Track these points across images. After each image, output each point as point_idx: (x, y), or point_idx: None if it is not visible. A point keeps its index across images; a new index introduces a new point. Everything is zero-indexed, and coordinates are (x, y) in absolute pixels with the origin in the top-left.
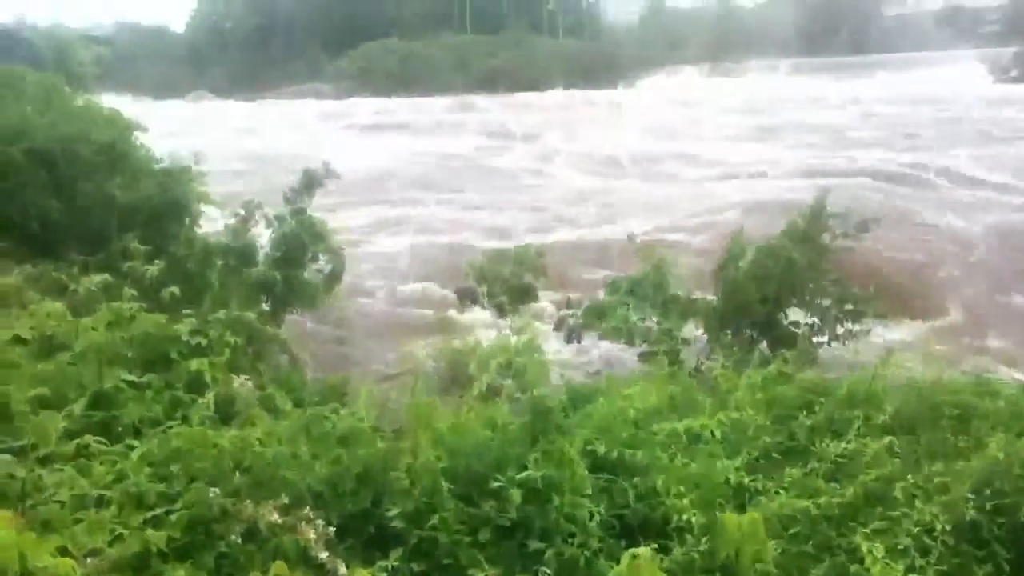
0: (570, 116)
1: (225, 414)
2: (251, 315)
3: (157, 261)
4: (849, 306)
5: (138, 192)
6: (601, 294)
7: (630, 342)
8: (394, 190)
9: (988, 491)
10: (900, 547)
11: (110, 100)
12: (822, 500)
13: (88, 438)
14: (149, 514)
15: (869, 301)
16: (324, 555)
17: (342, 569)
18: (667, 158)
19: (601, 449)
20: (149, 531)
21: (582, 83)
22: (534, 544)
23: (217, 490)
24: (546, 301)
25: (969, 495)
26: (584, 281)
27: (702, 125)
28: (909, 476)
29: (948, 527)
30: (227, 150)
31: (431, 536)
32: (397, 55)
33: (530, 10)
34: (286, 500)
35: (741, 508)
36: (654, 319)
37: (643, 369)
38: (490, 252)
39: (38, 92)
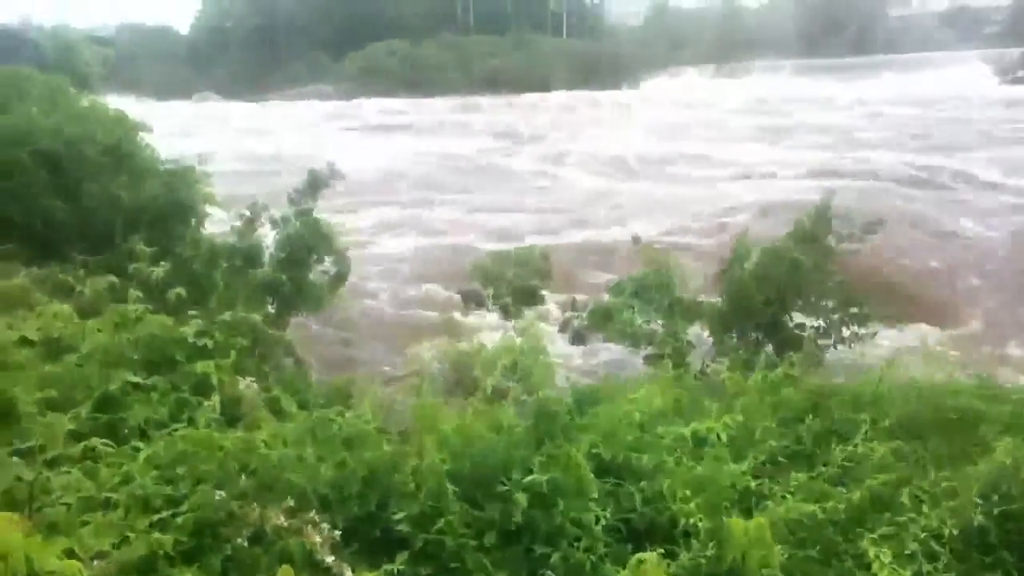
0: (576, 117)
1: (231, 416)
2: (256, 317)
3: (163, 263)
4: (854, 309)
5: (143, 193)
6: (607, 296)
7: (635, 345)
8: (401, 191)
9: (996, 496)
10: (907, 552)
11: (114, 101)
12: (829, 505)
13: (95, 440)
14: (155, 517)
15: (873, 304)
16: (330, 558)
17: (348, 573)
18: (677, 160)
19: (607, 453)
20: (155, 534)
21: (585, 84)
22: (540, 548)
23: (223, 493)
24: (551, 303)
25: (977, 500)
26: (591, 283)
27: (710, 126)
28: (916, 481)
29: (956, 532)
30: (236, 151)
31: (437, 540)
32: (400, 56)
33: (533, 11)
34: (292, 503)
35: (747, 512)
36: (659, 322)
37: (649, 372)
38: (494, 254)
39: (43, 93)
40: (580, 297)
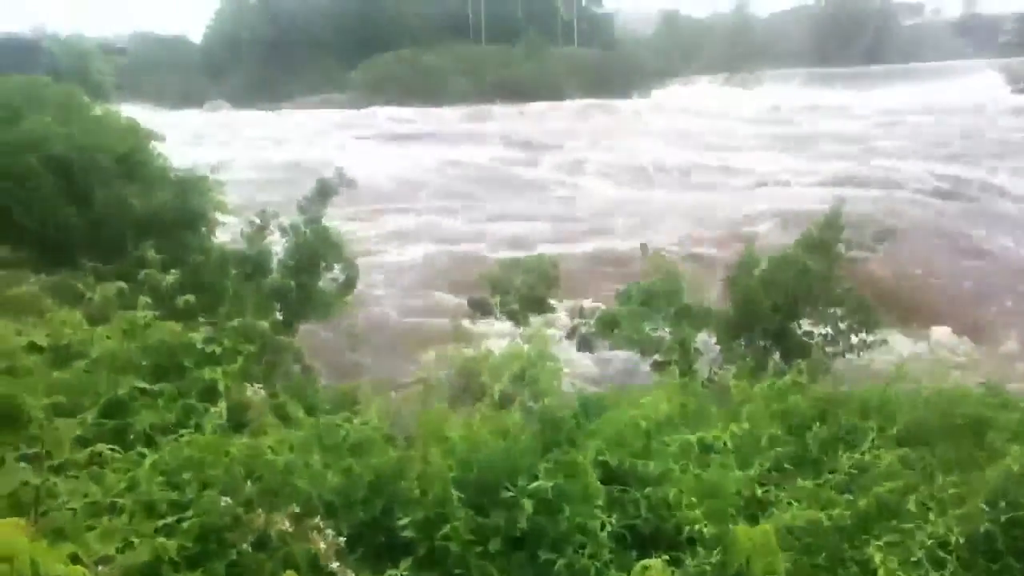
0: (589, 126)
1: (237, 422)
2: (265, 324)
3: (173, 270)
4: (862, 316)
5: (155, 201)
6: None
7: (643, 352)
8: (414, 199)
9: (1003, 503)
10: (914, 560)
11: (128, 109)
12: (835, 512)
13: (101, 446)
14: (161, 522)
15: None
16: (335, 564)
17: None
18: (693, 169)
19: (613, 459)
20: (161, 539)
21: (596, 93)
22: (545, 555)
23: (229, 499)
24: (560, 311)
25: (984, 507)
26: (606, 292)
27: (725, 135)
28: (923, 488)
29: (962, 540)
30: (253, 160)
31: (442, 546)
32: (410, 65)
33: (544, 20)
34: (297, 509)
35: (753, 519)
36: (666, 329)
37: (657, 379)
38: (503, 262)
39: (57, 101)
40: (587, 304)
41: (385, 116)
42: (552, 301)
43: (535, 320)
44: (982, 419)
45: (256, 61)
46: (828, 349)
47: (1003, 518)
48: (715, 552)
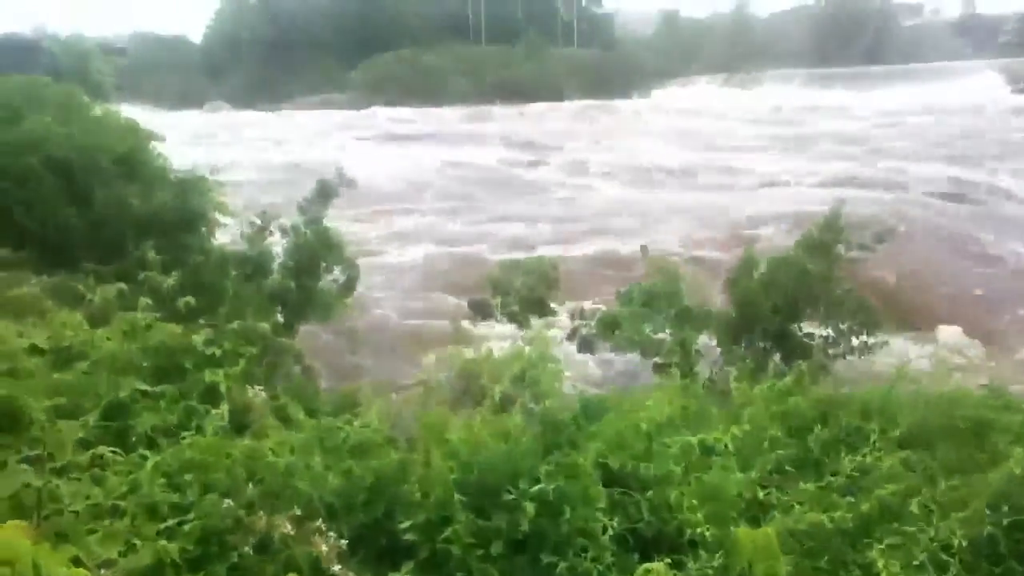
0: (590, 126)
1: (239, 424)
2: (266, 325)
3: (173, 272)
4: (863, 318)
5: (155, 202)
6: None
7: (643, 353)
8: (416, 200)
9: (1006, 506)
10: (916, 563)
11: (127, 110)
12: (837, 515)
13: (103, 448)
14: (163, 525)
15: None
16: (336, 567)
17: None
18: (696, 170)
19: (614, 462)
20: (162, 542)
21: (596, 93)
22: (547, 558)
23: (230, 501)
24: (561, 312)
25: (986, 510)
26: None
27: (727, 136)
28: (925, 491)
29: (965, 543)
30: (255, 161)
31: (443, 549)
32: (410, 65)
33: (543, 20)
34: (299, 511)
35: (755, 522)
36: (667, 331)
37: (658, 381)
38: (504, 263)
39: (57, 102)
40: (588, 306)
41: (385, 117)
42: (553, 304)
43: (536, 322)
44: (984, 421)
45: (256, 61)
46: (829, 351)
47: (1006, 521)
48: (717, 555)
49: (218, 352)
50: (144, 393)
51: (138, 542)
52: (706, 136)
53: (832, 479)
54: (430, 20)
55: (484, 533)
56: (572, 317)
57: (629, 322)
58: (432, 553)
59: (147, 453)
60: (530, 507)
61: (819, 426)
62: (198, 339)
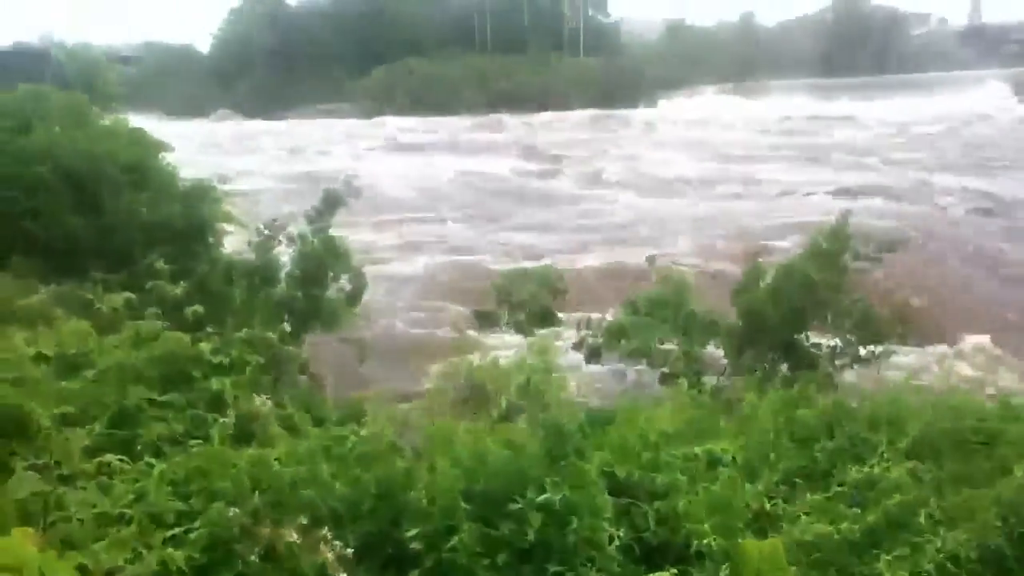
0: (600, 136)
1: (245, 433)
2: (272, 335)
3: (181, 281)
4: (870, 329)
5: (163, 211)
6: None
7: (650, 364)
8: (428, 209)
9: (1014, 518)
10: (923, 574)
11: (135, 119)
12: (844, 525)
13: (110, 456)
14: (169, 533)
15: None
16: None
17: None
18: (712, 180)
19: (621, 472)
20: (168, 550)
21: (603, 103)
22: (553, 568)
23: (237, 509)
24: (568, 322)
25: (995, 522)
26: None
27: (742, 146)
28: (933, 502)
29: (973, 555)
30: (269, 170)
31: (449, 558)
32: (418, 75)
33: (550, 30)
34: (305, 520)
35: (762, 533)
36: (674, 340)
37: (664, 391)
38: (510, 273)
39: (65, 111)
40: (595, 316)
41: (394, 126)
42: (561, 313)
43: (542, 332)
44: (993, 432)
45: (263, 71)
46: (836, 361)
47: (1015, 533)
48: (724, 566)
49: (225, 361)
50: (151, 401)
51: (144, 550)
52: (718, 146)
53: (839, 490)
54: (436, 30)
55: (490, 542)
56: (579, 327)
57: (635, 332)
58: (438, 562)
59: (154, 461)
60: (536, 517)
61: (826, 437)
62: (205, 348)
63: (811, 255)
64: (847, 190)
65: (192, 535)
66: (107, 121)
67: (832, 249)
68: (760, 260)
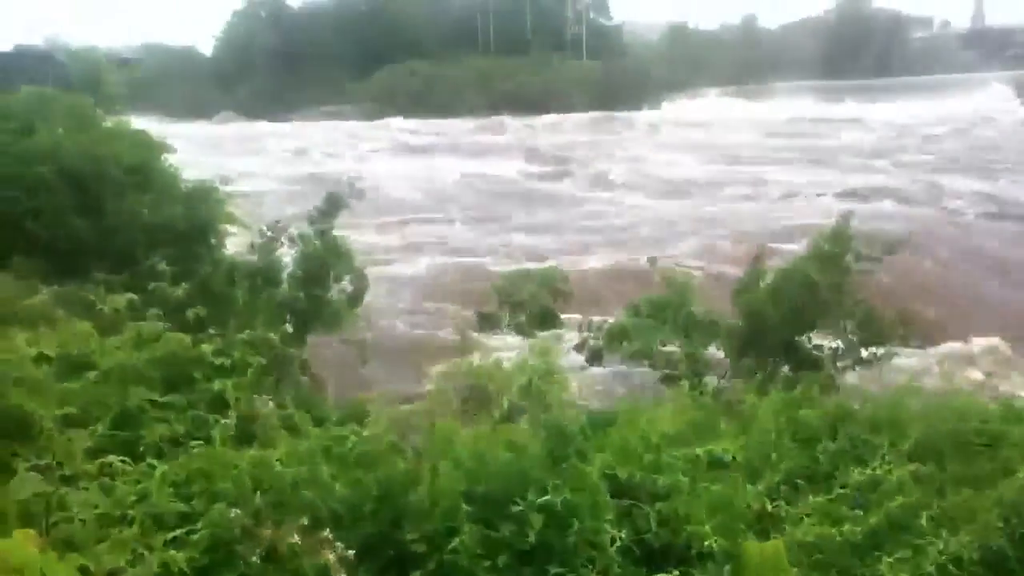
0: (605, 138)
1: (247, 434)
2: (274, 336)
3: (183, 283)
4: (872, 330)
5: (165, 212)
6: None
7: (651, 365)
8: (434, 211)
9: (1016, 519)
10: None
11: (138, 121)
12: (846, 527)
13: (112, 457)
14: (170, 534)
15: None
16: None
17: None
18: (720, 182)
19: (622, 473)
20: (170, 551)
21: (605, 105)
22: (554, 569)
23: (238, 511)
24: (570, 323)
25: (998, 524)
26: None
27: (749, 148)
28: (935, 504)
29: (975, 557)
30: (277, 172)
31: (451, 559)
32: (420, 77)
33: (553, 32)
34: (306, 521)
35: (764, 535)
36: (676, 342)
37: (666, 392)
38: (513, 274)
39: (68, 113)
40: (597, 317)
41: (398, 128)
42: (564, 315)
43: (544, 333)
44: (995, 434)
45: (266, 73)
46: (838, 363)
47: (1017, 534)
48: (726, 568)
49: (227, 362)
50: (153, 403)
51: (146, 551)
52: (725, 148)
53: (841, 491)
54: (438, 32)
55: (491, 544)
56: (580, 329)
57: (637, 333)
58: (439, 564)
59: (155, 462)
60: (537, 518)
61: (828, 438)
62: (207, 349)
63: (812, 256)
64: (855, 192)
65: (194, 536)
66: (110, 123)
67: (833, 250)
68: (762, 261)
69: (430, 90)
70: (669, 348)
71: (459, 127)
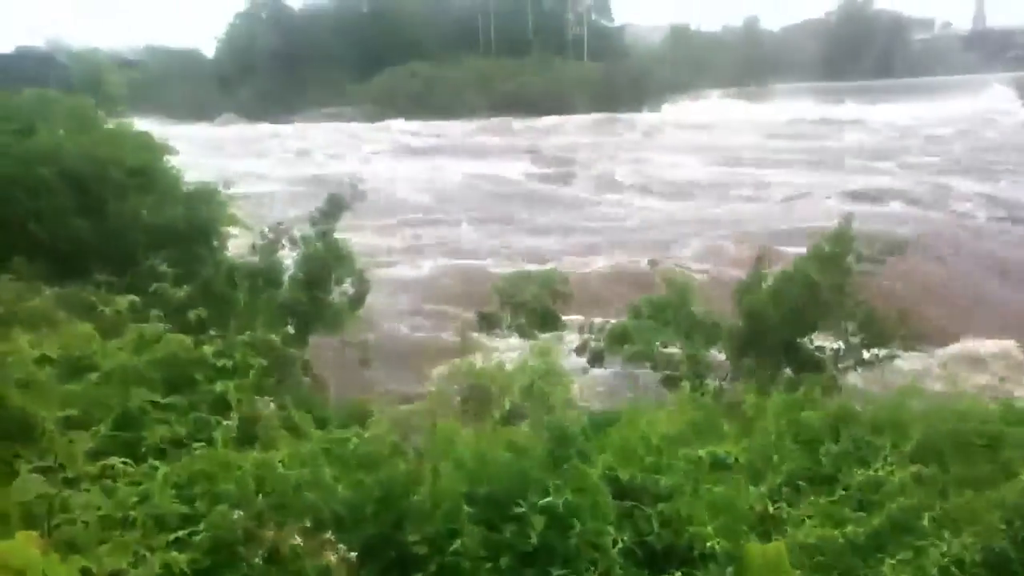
0: (608, 139)
1: (248, 435)
2: (275, 337)
3: (185, 284)
4: (873, 331)
5: (167, 214)
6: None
7: (653, 367)
8: (438, 212)
9: (1018, 521)
10: None
11: (140, 123)
12: (848, 529)
13: (114, 459)
14: (172, 536)
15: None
16: None
17: None
18: (726, 184)
19: (624, 475)
20: (172, 553)
21: (607, 107)
22: (556, 571)
23: (240, 512)
24: (571, 325)
25: (1000, 525)
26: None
27: (753, 150)
28: (937, 505)
29: (978, 558)
30: (281, 174)
31: (453, 561)
32: (421, 79)
33: (554, 34)
34: (308, 523)
35: (766, 536)
36: (677, 343)
37: (668, 394)
38: (513, 276)
39: (70, 115)
40: (599, 319)
41: (400, 129)
42: (566, 317)
43: (545, 335)
44: (997, 435)
45: (267, 75)
46: (840, 364)
47: (1019, 536)
48: (728, 569)
49: (228, 364)
50: (155, 404)
51: (148, 553)
52: (727, 150)
53: (843, 493)
54: (439, 33)
55: (493, 545)
56: (581, 331)
57: (638, 335)
58: (441, 565)
59: (157, 464)
60: (539, 520)
61: (830, 439)
62: (208, 351)
63: (813, 257)
64: (864, 194)
65: (196, 538)
66: (111, 124)
67: (834, 251)
68: (763, 262)
69: (431, 92)
70: (670, 349)
71: (460, 129)
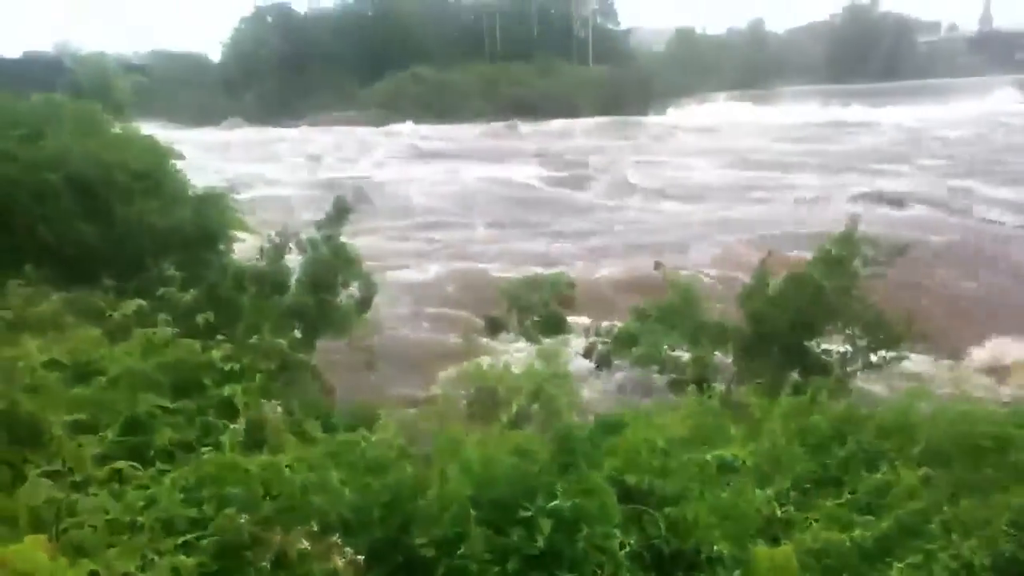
0: (617, 143)
1: (255, 439)
2: (282, 341)
3: (192, 288)
4: (881, 335)
5: (174, 218)
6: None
7: (659, 370)
8: (454, 216)
9: None
10: None
11: (147, 127)
12: (856, 533)
13: (121, 463)
14: (180, 540)
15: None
16: None
17: None
18: (741, 187)
19: (631, 478)
20: (180, 557)
21: (612, 111)
22: (563, 574)
23: (247, 516)
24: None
25: (1007, 529)
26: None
27: (764, 153)
28: (945, 509)
29: (986, 562)
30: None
31: (460, 565)
32: (427, 83)
33: (559, 38)
34: (315, 527)
35: (773, 540)
36: (683, 347)
37: (674, 397)
38: (520, 279)
39: (77, 120)
40: (605, 323)
41: (407, 134)
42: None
43: (552, 339)
44: (1005, 439)
45: (273, 79)
46: (847, 367)
47: None
48: (735, 573)
49: (236, 368)
50: (162, 408)
51: (156, 557)
52: (736, 153)
53: (851, 497)
54: (445, 37)
55: (500, 549)
56: (587, 333)
57: (645, 338)
58: (448, 569)
59: (165, 468)
60: (546, 523)
61: (838, 443)
62: (216, 355)
63: (819, 260)
64: (882, 197)
65: (203, 542)
66: (118, 129)
67: (841, 254)
68: (768, 265)
69: (436, 96)
70: (677, 353)
71: (468, 132)
